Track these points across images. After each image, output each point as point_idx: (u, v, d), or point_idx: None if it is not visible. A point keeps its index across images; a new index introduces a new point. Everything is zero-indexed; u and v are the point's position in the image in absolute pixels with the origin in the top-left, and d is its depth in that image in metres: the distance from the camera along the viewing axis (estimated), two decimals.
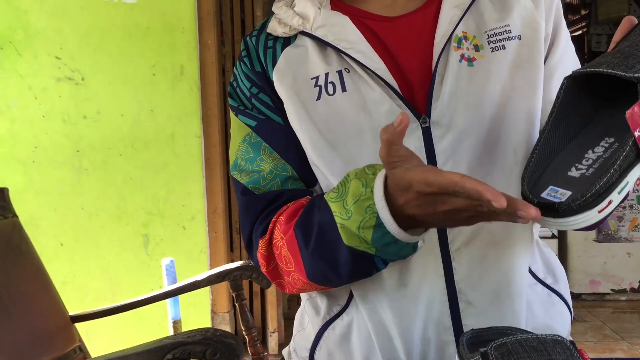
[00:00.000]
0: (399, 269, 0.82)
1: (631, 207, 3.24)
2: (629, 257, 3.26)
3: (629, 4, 4.34)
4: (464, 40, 0.82)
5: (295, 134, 0.86)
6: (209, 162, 2.50)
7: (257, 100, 0.88)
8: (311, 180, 0.87)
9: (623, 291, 3.29)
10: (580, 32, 4.53)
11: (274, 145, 0.86)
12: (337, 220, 0.70)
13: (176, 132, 2.47)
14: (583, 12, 4.53)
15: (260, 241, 0.83)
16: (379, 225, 0.66)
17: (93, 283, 2.50)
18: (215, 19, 2.49)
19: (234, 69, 0.93)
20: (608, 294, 3.31)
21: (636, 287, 3.27)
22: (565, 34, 0.87)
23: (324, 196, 0.75)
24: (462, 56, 0.81)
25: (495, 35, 0.83)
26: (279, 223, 0.82)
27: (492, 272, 0.81)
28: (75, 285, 2.49)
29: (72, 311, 1.66)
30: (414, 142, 0.81)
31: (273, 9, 0.91)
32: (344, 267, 0.74)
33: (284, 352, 1.02)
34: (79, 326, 1.66)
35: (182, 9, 2.42)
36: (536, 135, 0.82)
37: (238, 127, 0.90)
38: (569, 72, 0.86)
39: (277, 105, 0.87)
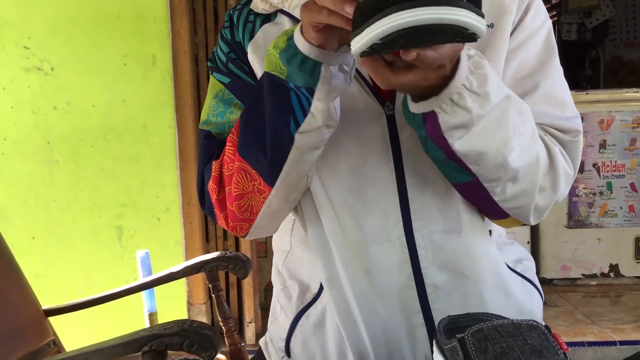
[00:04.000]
0: (359, 254, 0.84)
1: (601, 193, 3.30)
2: (599, 243, 3.32)
3: None
4: None
5: None
6: (183, 152, 2.48)
7: (233, 64, 0.90)
8: None
9: (593, 276, 3.36)
10: (550, 20, 4.58)
11: (244, 100, 0.88)
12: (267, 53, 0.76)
13: (149, 123, 2.43)
14: (554, 1, 4.58)
15: (214, 164, 0.85)
16: (290, 38, 0.71)
17: (66, 276, 2.47)
18: (188, 7, 2.46)
19: (218, 39, 0.95)
20: (579, 279, 3.37)
21: (606, 272, 3.34)
22: (532, 22, 0.86)
23: None
24: None
25: None
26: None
27: (457, 255, 0.84)
28: (47, 278, 2.45)
29: (45, 305, 1.64)
30: (379, 129, 0.83)
31: None
32: (267, 112, 0.76)
33: (261, 342, 1.02)
34: (53, 320, 1.63)
35: None
36: None
37: (212, 85, 0.92)
38: (531, 61, 0.86)
39: (252, 72, 0.89)
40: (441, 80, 0.67)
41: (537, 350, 0.57)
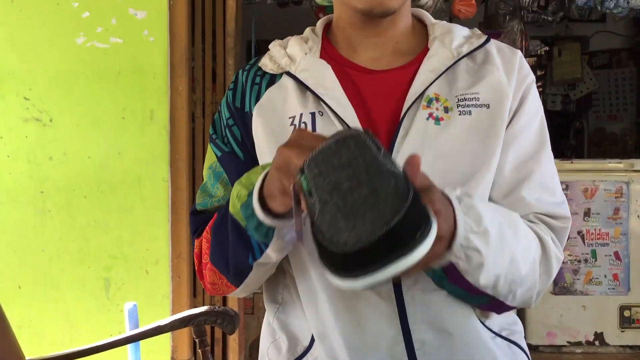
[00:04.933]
0: (349, 306, 0.86)
1: (586, 261, 3.33)
2: (584, 310, 3.33)
3: (582, 67, 4.57)
4: (434, 101, 0.88)
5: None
6: (175, 206, 2.50)
7: (229, 132, 0.95)
8: None
9: (579, 344, 3.35)
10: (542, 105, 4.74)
11: (230, 177, 0.94)
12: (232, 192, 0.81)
13: (143, 176, 2.46)
14: (539, 73, 4.74)
15: (196, 241, 0.95)
16: (250, 194, 0.76)
17: (51, 327, 2.43)
18: (187, 66, 2.53)
19: (222, 102, 1.00)
20: (564, 346, 3.36)
21: (591, 340, 3.34)
22: (530, 109, 0.92)
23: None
24: (431, 115, 0.87)
25: (465, 100, 0.88)
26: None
27: (442, 313, 0.86)
28: (32, 329, 2.41)
29: (28, 356, 1.62)
30: None
31: (270, 46, 0.98)
32: (230, 241, 0.84)
33: None
34: None
35: (154, 55, 2.46)
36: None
37: (209, 154, 0.98)
38: (528, 146, 0.90)
39: (245, 141, 0.94)
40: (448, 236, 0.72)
41: None
